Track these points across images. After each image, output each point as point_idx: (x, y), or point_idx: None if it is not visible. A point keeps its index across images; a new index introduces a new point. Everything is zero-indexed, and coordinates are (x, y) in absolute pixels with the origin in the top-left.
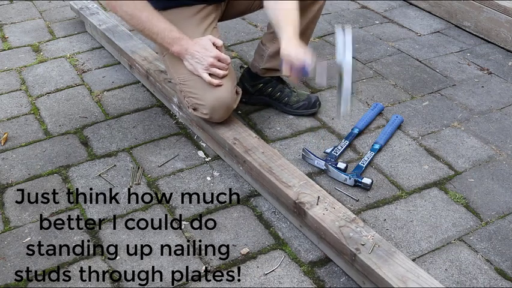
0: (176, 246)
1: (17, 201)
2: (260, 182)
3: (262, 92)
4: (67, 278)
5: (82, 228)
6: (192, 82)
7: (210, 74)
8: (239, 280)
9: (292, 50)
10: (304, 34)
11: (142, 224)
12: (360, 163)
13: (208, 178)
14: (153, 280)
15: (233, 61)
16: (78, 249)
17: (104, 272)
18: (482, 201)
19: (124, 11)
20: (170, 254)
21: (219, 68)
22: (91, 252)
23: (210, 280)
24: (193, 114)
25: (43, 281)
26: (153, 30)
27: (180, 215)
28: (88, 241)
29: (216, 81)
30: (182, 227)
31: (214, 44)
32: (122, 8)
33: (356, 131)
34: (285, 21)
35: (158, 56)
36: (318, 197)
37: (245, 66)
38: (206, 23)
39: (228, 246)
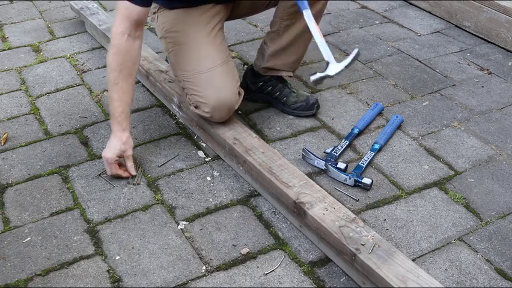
0: (176, 246)
1: (17, 201)
2: (260, 182)
3: (263, 90)
4: (67, 278)
5: (82, 228)
6: (195, 80)
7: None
8: (239, 280)
9: None
10: (304, 35)
11: (142, 224)
12: (360, 163)
13: (208, 178)
14: (153, 280)
15: (233, 61)
16: (78, 249)
17: (104, 272)
18: (482, 201)
19: (106, 59)
20: (170, 254)
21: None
22: (91, 252)
23: (209, 280)
24: (195, 112)
25: (43, 281)
26: (109, 94)
27: (180, 215)
28: (88, 241)
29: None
30: (182, 227)
31: (121, 156)
32: (107, 55)
33: (356, 131)
34: None
35: (158, 56)
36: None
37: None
38: (213, 23)
39: (228, 246)
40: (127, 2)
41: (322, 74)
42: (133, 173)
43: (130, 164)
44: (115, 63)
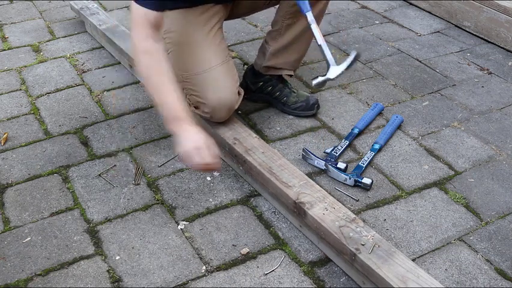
0: (176, 246)
1: (17, 201)
2: (260, 182)
3: (263, 90)
4: (67, 278)
5: (82, 228)
6: (195, 80)
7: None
8: (239, 280)
9: None
10: (306, 34)
11: (142, 224)
12: (360, 163)
13: (208, 178)
14: (153, 280)
15: (233, 61)
16: (78, 249)
17: (104, 272)
18: (482, 201)
19: (139, 70)
20: (170, 254)
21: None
22: (91, 252)
23: (209, 280)
24: (195, 112)
25: (43, 281)
26: (156, 100)
27: (180, 215)
28: (88, 241)
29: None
30: (182, 227)
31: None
32: (138, 67)
33: (356, 131)
34: None
35: None
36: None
37: (248, 64)
38: (212, 22)
39: (228, 246)
40: (143, 9)
41: (323, 78)
42: (218, 163)
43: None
44: (151, 67)
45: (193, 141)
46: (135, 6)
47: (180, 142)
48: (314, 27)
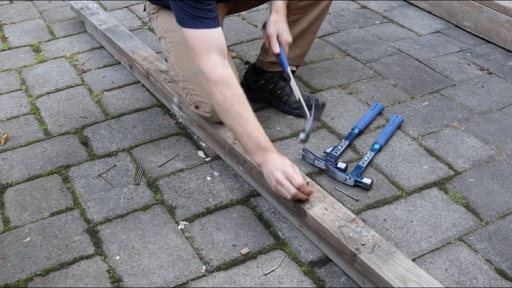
0: (176, 246)
1: (17, 201)
2: (260, 182)
3: (264, 88)
4: (67, 278)
5: (82, 228)
6: (195, 79)
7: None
8: (239, 280)
9: (271, 27)
10: (308, 32)
11: (142, 224)
12: (360, 163)
13: (208, 178)
14: (153, 280)
15: (233, 61)
16: (78, 249)
17: (104, 272)
18: (482, 201)
19: (216, 102)
20: (170, 254)
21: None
22: (91, 252)
23: (209, 280)
24: (195, 112)
25: (43, 281)
26: (238, 131)
27: (180, 215)
28: (88, 241)
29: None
30: (182, 227)
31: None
32: (214, 98)
33: (356, 131)
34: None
35: (158, 56)
36: (307, 182)
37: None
38: None
39: (228, 246)
40: (201, 29)
41: (305, 133)
42: (310, 190)
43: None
44: (228, 96)
45: (281, 165)
46: (187, 31)
47: (268, 172)
48: (293, 82)
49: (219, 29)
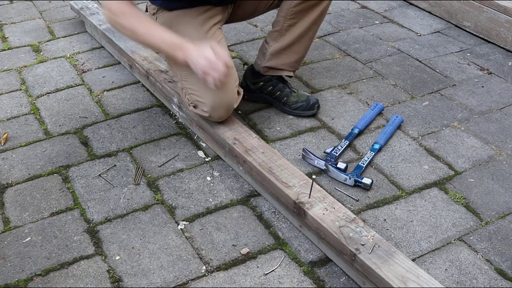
0: (176, 246)
1: (17, 201)
2: (260, 182)
3: (263, 90)
4: (67, 278)
5: (82, 228)
6: (193, 79)
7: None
8: (239, 280)
9: None
10: (305, 38)
11: (142, 224)
12: (360, 163)
13: (208, 178)
14: (153, 280)
15: (233, 61)
16: (78, 249)
17: (104, 272)
18: (482, 201)
19: (122, 27)
20: (170, 254)
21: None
22: (91, 252)
23: (209, 280)
24: (194, 112)
25: (43, 281)
26: (153, 42)
27: (180, 215)
28: (88, 241)
29: (217, 85)
30: (182, 227)
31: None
32: (120, 24)
33: (356, 131)
34: None
35: (158, 56)
36: (312, 184)
37: (248, 64)
38: (210, 23)
39: (228, 246)
40: None
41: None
42: (229, 61)
43: (225, 52)
44: (133, 19)
45: (201, 56)
46: None
47: (192, 63)
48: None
49: None
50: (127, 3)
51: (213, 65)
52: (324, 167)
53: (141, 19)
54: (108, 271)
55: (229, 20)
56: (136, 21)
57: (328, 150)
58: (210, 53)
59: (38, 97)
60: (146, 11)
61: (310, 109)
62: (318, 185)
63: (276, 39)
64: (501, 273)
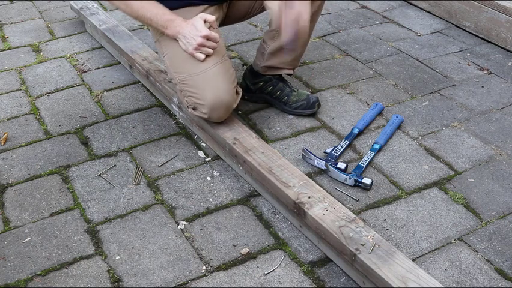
0: (176, 246)
1: (17, 201)
2: (260, 182)
3: (263, 90)
4: (67, 278)
5: (82, 228)
6: (191, 81)
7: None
8: (239, 280)
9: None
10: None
11: (142, 224)
12: (360, 163)
13: (208, 178)
14: (153, 280)
15: (233, 61)
16: (78, 249)
17: (104, 272)
18: (482, 201)
19: (121, 6)
20: (170, 254)
21: (209, 47)
22: (91, 252)
23: (209, 280)
24: (193, 113)
25: (43, 281)
26: (146, 15)
27: (180, 215)
28: (88, 241)
29: (202, 56)
30: (182, 227)
31: (206, 21)
32: (117, 4)
33: (356, 131)
34: None
35: (158, 56)
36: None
37: (247, 64)
38: (206, 24)
39: (228, 246)
40: None
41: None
42: (217, 38)
43: (213, 34)
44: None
45: (195, 31)
46: None
47: (185, 38)
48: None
49: None
50: None
51: (208, 36)
52: (324, 167)
53: None
54: (108, 271)
55: (224, 22)
56: None
57: (328, 150)
58: (202, 27)
59: (38, 97)
60: None
61: (311, 107)
62: (318, 185)
63: (274, 38)
64: (501, 273)
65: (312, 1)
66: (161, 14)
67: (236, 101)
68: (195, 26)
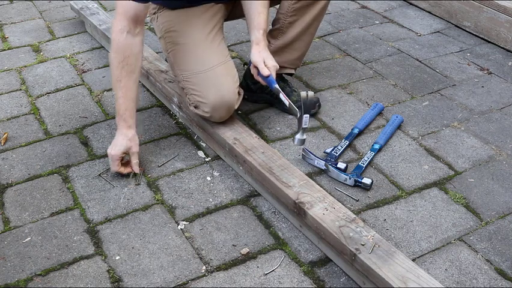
0: (176, 246)
1: (17, 201)
2: (260, 182)
3: (264, 89)
4: (67, 278)
5: (82, 228)
6: (195, 79)
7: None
8: (239, 280)
9: (256, 56)
10: (306, 34)
11: (142, 224)
12: (360, 163)
13: (208, 178)
14: (153, 280)
15: (233, 61)
16: (78, 249)
17: (104, 272)
18: (482, 201)
19: (110, 60)
20: (170, 254)
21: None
22: (91, 252)
23: (209, 280)
24: (194, 112)
25: (43, 281)
26: (116, 92)
27: (180, 215)
28: (88, 241)
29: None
30: (182, 227)
31: (127, 153)
32: (109, 57)
33: (356, 131)
34: (253, 24)
35: (158, 56)
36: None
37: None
38: (212, 22)
39: (228, 246)
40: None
41: (301, 131)
42: (137, 170)
43: (135, 161)
44: (116, 60)
45: (114, 146)
46: None
47: (113, 142)
48: (282, 95)
49: (143, 5)
50: (128, 39)
51: (112, 159)
52: (324, 167)
53: (125, 68)
54: (108, 271)
55: (228, 17)
56: (116, 62)
57: (328, 150)
58: (116, 151)
59: (38, 97)
60: None
61: (311, 108)
62: (318, 185)
63: (277, 36)
64: (501, 273)
65: (316, 1)
66: (121, 104)
67: (238, 101)
68: (115, 148)
